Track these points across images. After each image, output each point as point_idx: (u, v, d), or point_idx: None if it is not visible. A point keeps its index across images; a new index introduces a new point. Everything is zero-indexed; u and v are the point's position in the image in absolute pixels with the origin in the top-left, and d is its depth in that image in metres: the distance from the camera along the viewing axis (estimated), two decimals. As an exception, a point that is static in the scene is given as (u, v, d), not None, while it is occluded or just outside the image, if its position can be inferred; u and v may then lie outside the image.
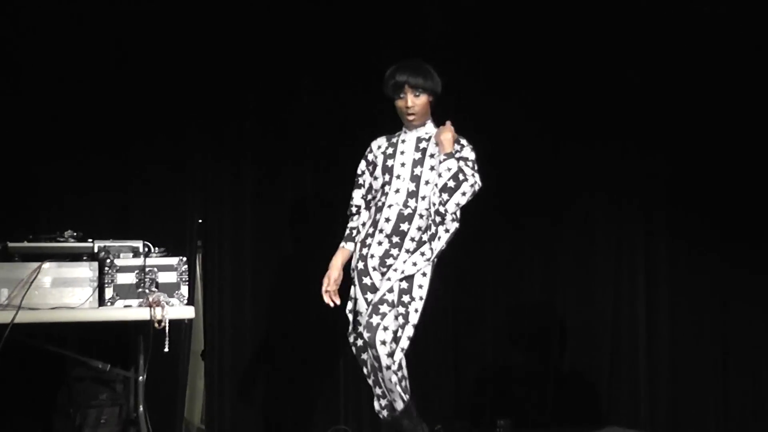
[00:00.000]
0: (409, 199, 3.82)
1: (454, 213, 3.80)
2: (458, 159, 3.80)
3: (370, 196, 3.98)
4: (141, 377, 4.12)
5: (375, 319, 3.65)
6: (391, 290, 3.72)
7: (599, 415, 5.40)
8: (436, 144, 3.85)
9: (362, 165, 4.02)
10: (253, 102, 5.07)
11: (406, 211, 3.81)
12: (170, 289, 3.98)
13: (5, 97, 4.66)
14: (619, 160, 5.49)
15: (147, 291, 3.94)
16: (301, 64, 5.11)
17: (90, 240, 4.05)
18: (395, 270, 3.76)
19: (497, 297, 5.43)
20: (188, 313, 4.01)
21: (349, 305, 3.91)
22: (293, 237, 5.12)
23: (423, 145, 3.89)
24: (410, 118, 3.86)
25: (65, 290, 3.90)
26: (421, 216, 3.81)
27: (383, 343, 3.62)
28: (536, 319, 5.47)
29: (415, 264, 3.77)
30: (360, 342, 3.86)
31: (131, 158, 4.83)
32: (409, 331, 3.72)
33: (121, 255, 4.00)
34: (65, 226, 4.14)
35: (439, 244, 3.81)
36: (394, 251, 3.81)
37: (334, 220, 5.16)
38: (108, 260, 3.95)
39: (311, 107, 5.13)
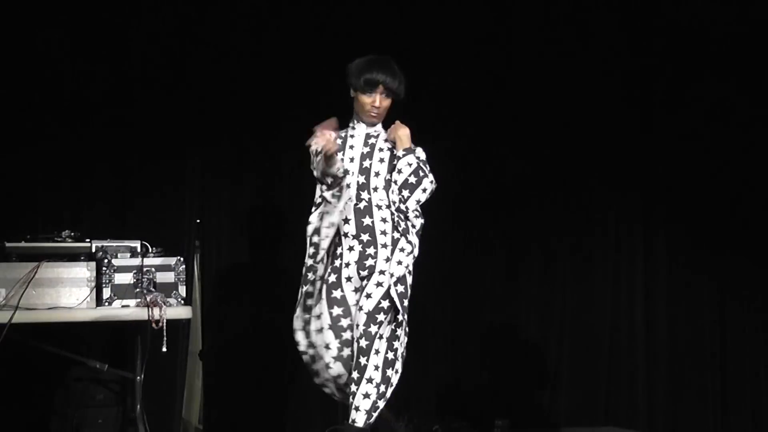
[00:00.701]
0: (360, 192, 3.67)
1: (416, 210, 3.68)
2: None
3: None
4: (139, 377, 4.12)
5: (373, 329, 3.56)
6: (386, 297, 3.58)
7: (598, 415, 5.40)
8: (386, 140, 3.75)
9: None
10: (250, 102, 5.07)
11: (362, 205, 3.66)
12: (168, 289, 3.98)
13: (3, 98, 4.66)
14: (618, 159, 5.49)
15: (145, 291, 3.94)
16: (299, 64, 5.11)
17: (87, 240, 4.05)
18: (382, 273, 3.62)
19: (496, 297, 5.43)
20: (186, 313, 4.01)
21: (298, 321, 3.73)
22: (291, 237, 5.12)
23: (372, 140, 3.76)
24: (374, 115, 3.72)
25: (63, 290, 3.90)
26: (379, 207, 3.67)
27: (377, 352, 3.56)
28: (535, 318, 5.47)
29: (400, 263, 3.63)
30: (311, 351, 3.68)
31: (129, 158, 4.83)
32: (404, 340, 3.68)
33: (119, 255, 4.00)
34: (63, 225, 4.14)
35: (414, 239, 3.68)
36: (370, 250, 3.65)
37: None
38: (105, 260, 3.94)
39: (309, 107, 5.13)
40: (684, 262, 5.52)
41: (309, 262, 3.67)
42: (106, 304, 3.93)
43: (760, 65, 5.38)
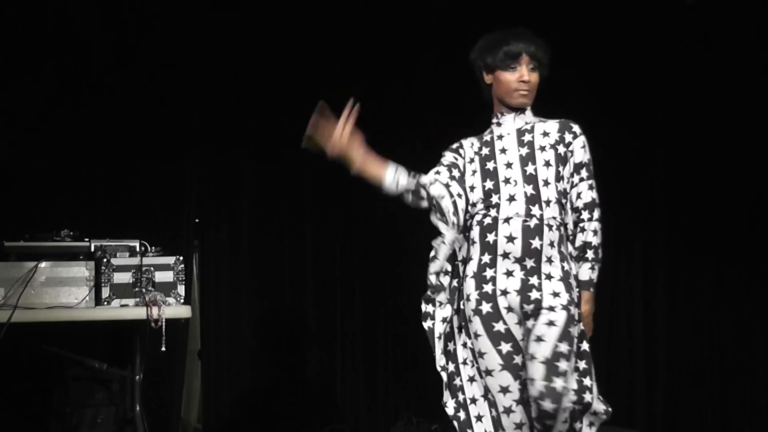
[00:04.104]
0: (531, 206, 2.96)
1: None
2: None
3: (461, 203, 3.06)
4: (138, 377, 4.12)
5: (558, 383, 2.82)
6: (563, 338, 2.90)
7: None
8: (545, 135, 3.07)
9: (448, 153, 3.16)
10: (250, 101, 5.06)
11: (532, 222, 2.95)
12: (167, 289, 3.97)
13: (3, 97, 4.66)
14: (616, 159, 5.49)
15: (144, 290, 3.93)
16: (296, 62, 5.10)
17: (86, 239, 4.04)
18: (553, 309, 2.92)
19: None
20: (185, 312, 4.00)
21: (441, 361, 3.15)
22: (290, 236, 5.12)
23: (527, 137, 3.05)
24: (524, 94, 3.02)
25: (62, 289, 3.89)
26: (550, 227, 2.96)
27: (587, 410, 2.94)
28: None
29: (567, 305, 2.95)
30: (462, 415, 3.14)
31: (127, 157, 4.82)
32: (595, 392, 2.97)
33: (118, 254, 3.99)
34: (62, 225, 4.14)
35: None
36: (534, 280, 2.95)
37: (331, 219, 5.17)
38: (104, 259, 3.94)
39: (309, 104, 5.12)
40: (683, 262, 5.52)
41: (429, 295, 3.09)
42: (105, 303, 3.92)
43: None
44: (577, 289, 3.01)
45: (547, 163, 3.01)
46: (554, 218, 2.97)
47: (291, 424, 5.01)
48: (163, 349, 3.79)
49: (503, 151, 3.04)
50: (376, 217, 5.14)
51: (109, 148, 4.81)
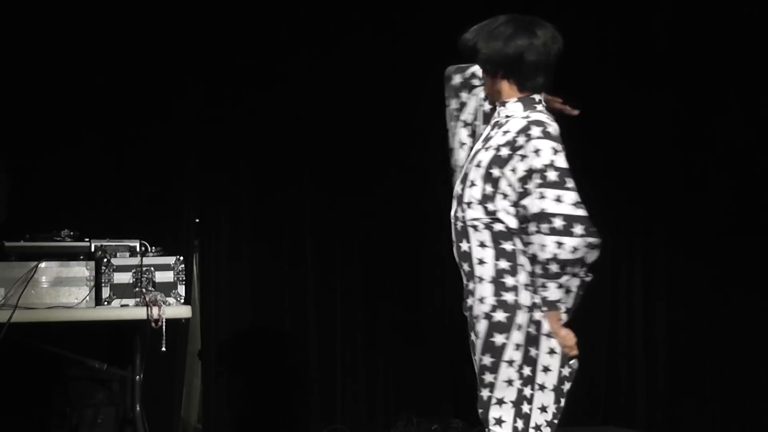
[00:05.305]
0: (458, 208, 2.76)
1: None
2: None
3: None
4: (138, 377, 4.12)
5: (484, 393, 2.77)
6: (485, 351, 2.71)
7: (597, 415, 5.39)
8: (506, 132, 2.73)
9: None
10: (250, 100, 5.06)
11: (458, 225, 2.76)
12: (167, 289, 3.98)
13: (3, 98, 4.66)
14: (615, 157, 5.49)
15: (144, 290, 3.93)
16: (296, 59, 5.10)
17: (87, 239, 4.05)
18: (477, 319, 2.72)
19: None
20: (185, 312, 4.00)
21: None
22: (291, 236, 5.11)
23: (492, 133, 2.77)
24: (488, 101, 2.88)
25: (62, 289, 3.89)
26: (475, 228, 2.71)
27: (498, 422, 2.76)
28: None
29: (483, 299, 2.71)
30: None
31: (128, 157, 4.82)
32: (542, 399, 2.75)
33: (118, 254, 4.00)
34: (62, 225, 4.14)
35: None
36: (471, 285, 2.75)
37: (331, 218, 5.16)
38: (105, 259, 3.94)
39: (308, 105, 5.12)
40: (683, 262, 5.51)
41: None
42: (105, 303, 3.93)
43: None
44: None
45: (479, 164, 2.72)
46: (477, 219, 2.69)
47: (291, 424, 5.00)
48: (163, 349, 3.80)
49: (479, 139, 2.83)
50: (377, 210, 5.15)
51: (109, 148, 4.81)
